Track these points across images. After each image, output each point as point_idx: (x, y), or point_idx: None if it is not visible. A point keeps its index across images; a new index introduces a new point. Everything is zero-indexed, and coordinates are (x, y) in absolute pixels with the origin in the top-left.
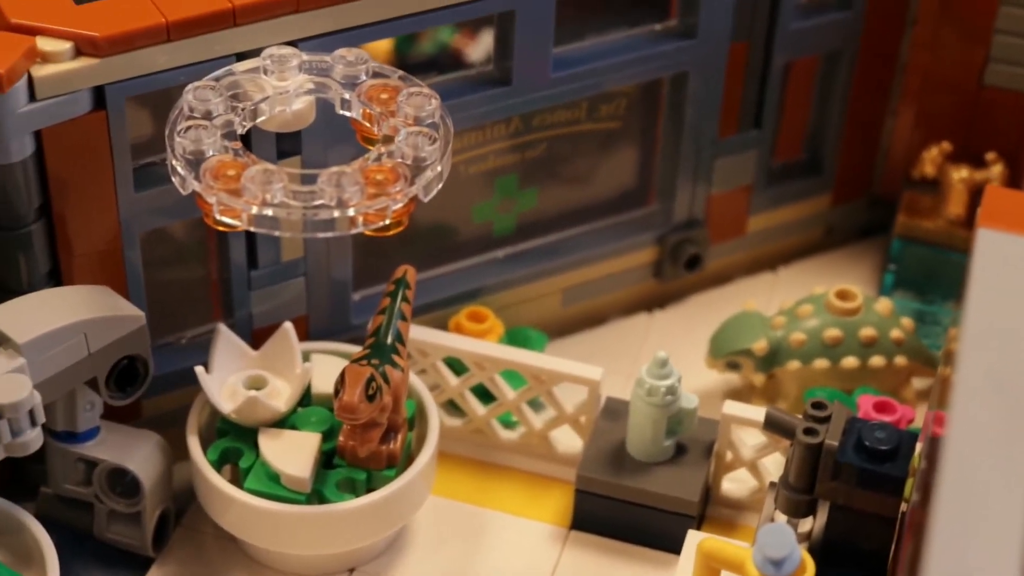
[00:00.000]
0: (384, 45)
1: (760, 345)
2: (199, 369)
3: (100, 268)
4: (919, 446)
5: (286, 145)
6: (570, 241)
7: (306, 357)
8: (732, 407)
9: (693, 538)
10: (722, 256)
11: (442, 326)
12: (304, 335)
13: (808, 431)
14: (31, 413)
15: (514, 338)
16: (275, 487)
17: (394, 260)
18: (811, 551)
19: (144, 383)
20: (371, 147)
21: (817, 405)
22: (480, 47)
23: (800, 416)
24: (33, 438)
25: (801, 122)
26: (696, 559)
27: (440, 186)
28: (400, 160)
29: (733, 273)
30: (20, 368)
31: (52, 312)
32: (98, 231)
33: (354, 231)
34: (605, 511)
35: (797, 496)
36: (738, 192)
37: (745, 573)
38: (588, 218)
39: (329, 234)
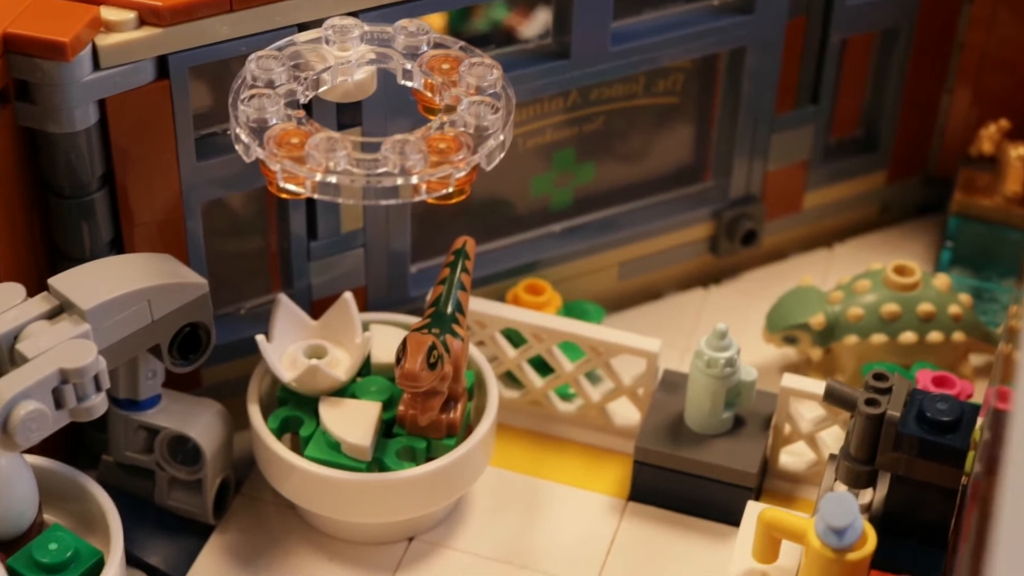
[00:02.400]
0: (437, 22)
1: (818, 319)
2: (260, 338)
3: (161, 238)
4: (980, 419)
5: (346, 117)
6: (627, 215)
7: (365, 327)
8: (791, 380)
9: (753, 508)
10: (777, 232)
11: (499, 299)
12: (362, 306)
13: (870, 402)
14: (96, 378)
15: (571, 311)
16: (336, 455)
17: (451, 233)
18: (871, 522)
19: (207, 350)
20: (432, 117)
21: (879, 376)
22: (533, 25)
23: (859, 389)
24: (98, 403)
25: (857, 99)
26: (757, 529)
27: (502, 155)
28: (463, 129)
29: (788, 249)
30: (85, 334)
31: (116, 279)
32: (160, 200)
33: (417, 199)
34: (663, 482)
35: (858, 467)
36: (794, 168)
37: (806, 543)
38: (644, 193)
39: (392, 201)
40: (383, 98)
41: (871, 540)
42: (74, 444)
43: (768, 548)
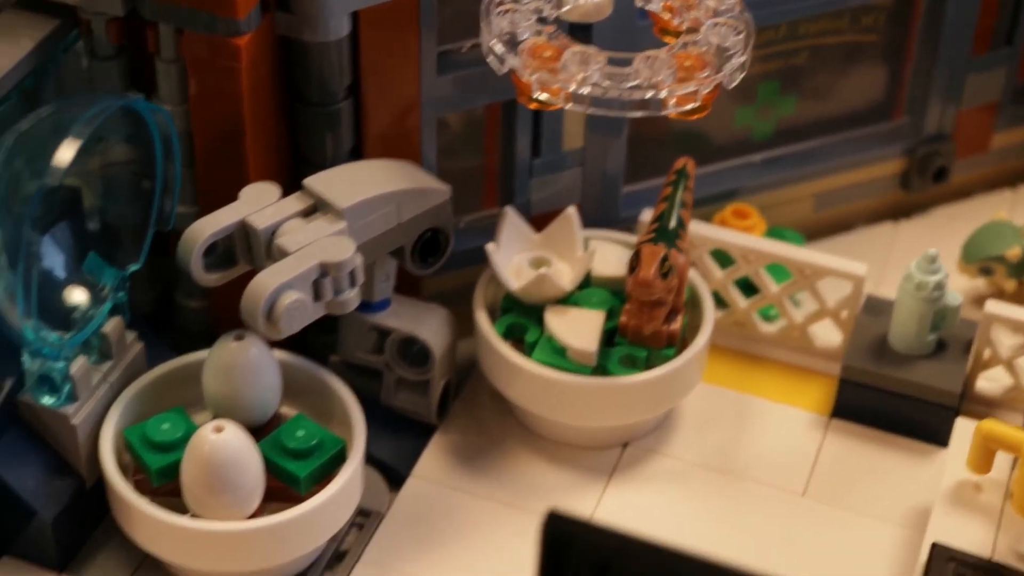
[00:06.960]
0: None
1: (1014, 251)
2: (490, 247)
3: (397, 148)
4: None
5: (576, 40)
6: (823, 148)
7: (585, 243)
8: (994, 306)
9: (964, 424)
10: (965, 172)
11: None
12: None
13: None
14: (352, 273)
15: (772, 237)
16: (561, 360)
17: (657, 158)
18: None
19: (445, 255)
20: (668, 40)
21: None
22: None
23: None
24: (352, 297)
25: None
26: (974, 440)
27: (743, 76)
28: (705, 49)
29: (974, 188)
30: (342, 231)
31: (368, 181)
32: (399, 112)
33: (665, 112)
34: (867, 400)
35: None
36: (985, 108)
37: (1023, 454)
38: (841, 127)
39: (640, 114)
40: (612, 23)
41: None
42: (299, 347)
43: (983, 459)
